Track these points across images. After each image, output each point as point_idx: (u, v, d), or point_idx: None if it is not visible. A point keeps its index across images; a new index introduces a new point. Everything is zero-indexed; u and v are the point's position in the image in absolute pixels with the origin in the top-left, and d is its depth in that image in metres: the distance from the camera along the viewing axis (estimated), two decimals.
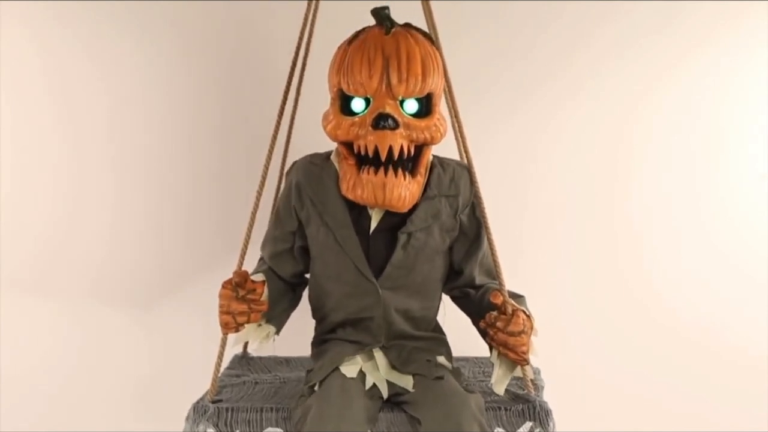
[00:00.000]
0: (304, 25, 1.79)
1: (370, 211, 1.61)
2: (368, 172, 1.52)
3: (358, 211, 1.61)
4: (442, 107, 1.63)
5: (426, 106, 1.56)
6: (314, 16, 1.82)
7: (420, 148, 1.56)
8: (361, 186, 1.53)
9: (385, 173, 1.51)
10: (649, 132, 2.37)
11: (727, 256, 2.38)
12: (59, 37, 2.30)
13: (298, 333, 1.81)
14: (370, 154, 1.51)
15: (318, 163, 1.67)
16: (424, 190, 1.61)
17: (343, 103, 1.57)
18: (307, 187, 1.64)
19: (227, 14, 2.30)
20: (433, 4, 1.70)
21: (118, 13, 2.28)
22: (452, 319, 1.74)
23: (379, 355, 1.64)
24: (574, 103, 2.35)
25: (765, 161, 2.37)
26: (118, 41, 2.30)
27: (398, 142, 1.50)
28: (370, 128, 1.51)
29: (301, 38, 1.79)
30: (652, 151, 2.38)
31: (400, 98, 1.53)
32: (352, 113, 1.55)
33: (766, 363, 2.36)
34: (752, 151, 2.38)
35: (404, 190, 1.52)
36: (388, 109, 1.51)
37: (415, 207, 1.59)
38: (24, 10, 2.27)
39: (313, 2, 1.79)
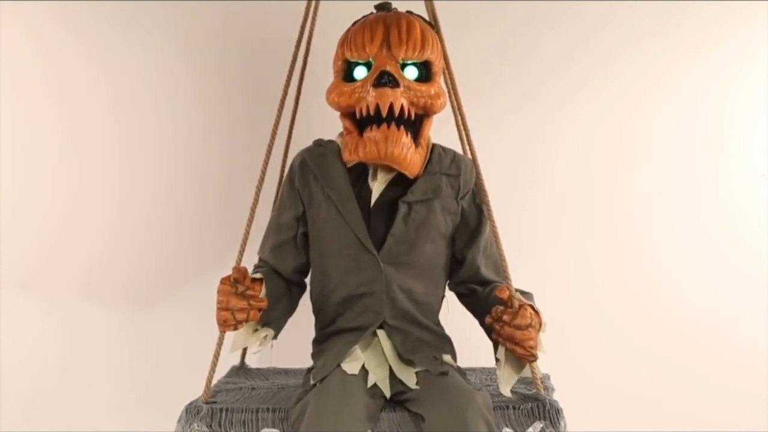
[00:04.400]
0: (304, 23, 1.80)
1: (371, 184, 1.64)
2: (370, 129, 1.55)
3: (360, 185, 1.64)
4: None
5: (426, 74, 1.60)
6: (314, 15, 1.83)
7: (420, 118, 1.59)
8: (362, 144, 1.56)
9: (388, 127, 1.53)
10: (649, 131, 2.37)
11: (727, 255, 2.38)
12: (59, 37, 2.29)
13: (296, 344, 1.80)
14: (372, 112, 1.53)
15: (322, 144, 1.72)
16: (426, 166, 1.64)
17: (346, 73, 1.61)
18: (310, 162, 1.68)
19: (227, 14, 2.30)
20: (436, 3, 1.71)
21: (118, 13, 2.28)
22: (457, 329, 1.72)
23: (382, 335, 1.62)
24: (575, 102, 2.35)
25: (765, 161, 2.37)
26: (118, 41, 2.30)
27: (399, 99, 1.53)
28: (371, 88, 1.54)
29: (300, 37, 1.80)
30: (653, 150, 2.38)
31: (400, 60, 1.56)
32: (354, 80, 1.59)
33: (766, 363, 2.36)
34: (752, 151, 2.38)
35: (405, 148, 1.55)
36: (389, 68, 1.54)
37: (416, 179, 1.62)
38: (24, 10, 2.27)
39: (313, 2, 1.80)
